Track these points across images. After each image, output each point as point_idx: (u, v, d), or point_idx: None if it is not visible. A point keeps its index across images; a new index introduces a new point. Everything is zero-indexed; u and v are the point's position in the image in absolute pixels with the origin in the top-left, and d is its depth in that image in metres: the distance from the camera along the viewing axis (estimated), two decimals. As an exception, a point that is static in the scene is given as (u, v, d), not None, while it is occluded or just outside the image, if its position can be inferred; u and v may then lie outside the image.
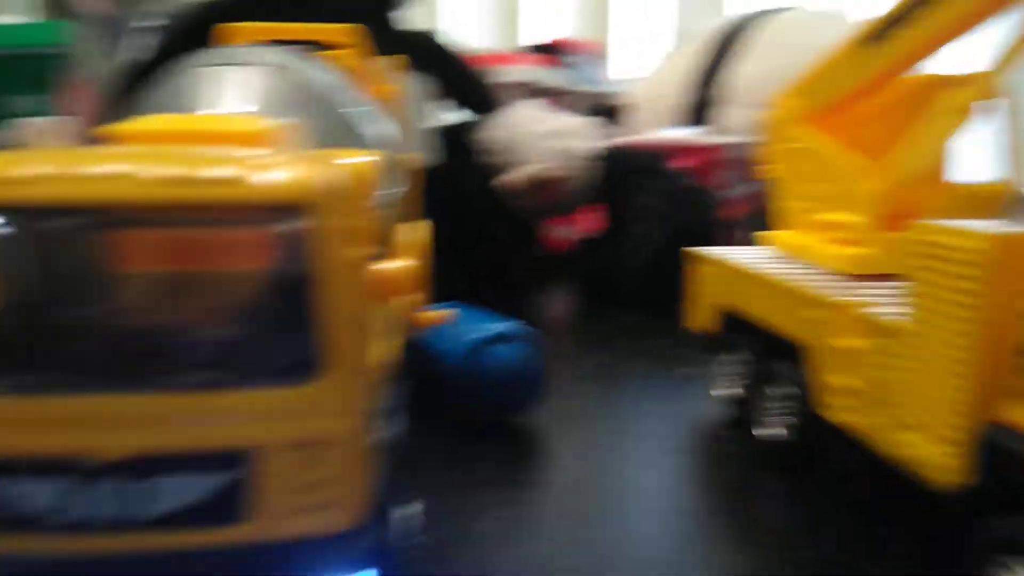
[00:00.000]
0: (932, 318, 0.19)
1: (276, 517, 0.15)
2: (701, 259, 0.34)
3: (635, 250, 0.55)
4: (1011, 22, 0.23)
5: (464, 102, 0.63)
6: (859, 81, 0.27)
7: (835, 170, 0.28)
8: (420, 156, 0.52)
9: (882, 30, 0.26)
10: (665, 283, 0.54)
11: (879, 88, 0.28)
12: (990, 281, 0.17)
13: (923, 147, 0.26)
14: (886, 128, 0.29)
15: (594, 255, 0.62)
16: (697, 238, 0.43)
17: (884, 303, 0.23)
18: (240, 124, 0.19)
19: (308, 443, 0.14)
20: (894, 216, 0.26)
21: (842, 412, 0.23)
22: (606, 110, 0.87)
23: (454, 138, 0.63)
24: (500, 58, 0.83)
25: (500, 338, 0.31)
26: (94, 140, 0.49)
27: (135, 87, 0.42)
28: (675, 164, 0.62)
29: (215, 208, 0.14)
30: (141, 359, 0.14)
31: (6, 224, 0.15)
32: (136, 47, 0.54)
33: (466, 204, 0.59)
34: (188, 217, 0.14)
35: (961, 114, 0.25)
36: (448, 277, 0.46)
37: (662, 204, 0.58)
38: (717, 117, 0.78)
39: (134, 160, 0.14)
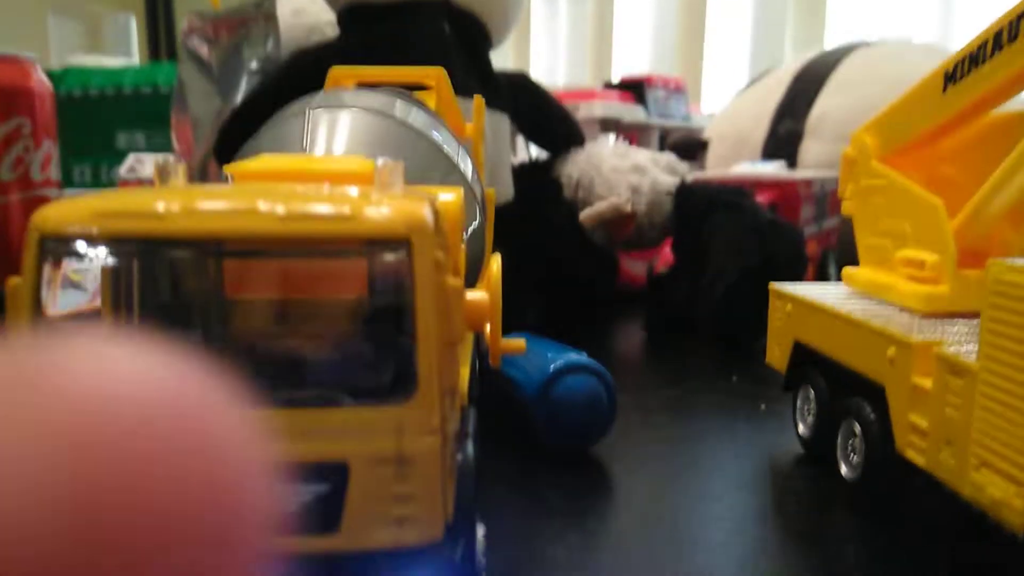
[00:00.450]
0: (1003, 356, 0.19)
1: (366, 528, 0.16)
2: (780, 295, 0.34)
3: (714, 285, 0.55)
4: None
5: (548, 138, 0.65)
6: (936, 121, 0.27)
7: (913, 208, 0.28)
8: (502, 191, 0.55)
9: (959, 71, 0.26)
10: (743, 318, 0.54)
11: (958, 127, 0.28)
12: (1060, 321, 0.18)
13: (1007, 185, 0.26)
14: (967, 165, 0.29)
15: (673, 289, 0.62)
16: (777, 273, 0.43)
17: (959, 342, 0.23)
18: (348, 164, 0.21)
19: (398, 458, 0.16)
20: (973, 254, 0.26)
21: (918, 451, 0.23)
22: (687, 145, 0.88)
23: (538, 172, 0.65)
24: (584, 94, 0.85)
25: (573, 369, 0.31)
26: (201, 174, 0.53)
27: (246, 128, 0.45)
28: (756, 199, 0.62)
29: (328, 241, 0.15)
30: (258, 378, 0.15)
31: (142, 254, 0.17)
32: (246, 89, 0.58)
33: (547, 237, 0.60)
34: (303, 249, 0.16)
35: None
36: (525, 308, 0.48)
37: (742, 239, 0.58)
38: (800, 151, 0.78)
39: (256, 197, 0.16)
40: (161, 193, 0.17)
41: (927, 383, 0.22)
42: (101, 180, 0.84)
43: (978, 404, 0.20)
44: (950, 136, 0.29)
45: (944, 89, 0.27)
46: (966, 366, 0.21)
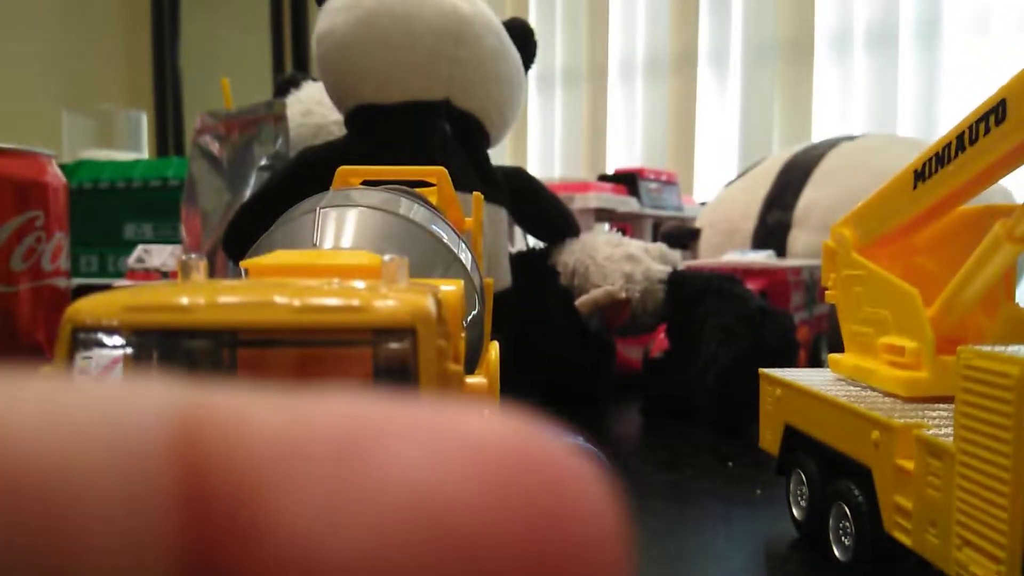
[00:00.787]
0: (977, 438, 0.20)
1: None
2: (770, 380, 0.35)
3: (707, 371, 0.56)
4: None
5: (544, 228, 0.67)
6: (908, 216, 0.29)
7: (892, 297, 0.30)
8: (501, 280, 0.56)
9: (927, 170, 0.28)
10: (737, 404, 0.54)
11: (930, 221, 0.30)
12: (1022, 403, 0.19)
13: (978, 276, 0.27)
14: (941, 257, 0.31)
15: (668, 374, 0.63)
16: (770, 359, 0.44)
17: (939, 425, 0.24)
18: (356, 259, 0.22)
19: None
20: (950, 341, 0.27)
21: (905, 532, 0.24)
22: (680, 234, 0.91)
23: (535, 261, 0.67)
24: (579, 186, 0.88)
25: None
26: (209, 264, 0.54)
27: (254, 222, 0.47)
28: (747, 286, 0.64)
29: (339, 331, 0.16)
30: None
31: (166, 344, 0.18)
32: (254, 184, 0.61)
33: (545, 324, 0.62)
34: (315, 338, 0.16)
35: (1017, 242, 0.26)
36: (522, 393, 0.49)
37: (734, 325, 0.59)
38: (789, 241, 0.80)
39: (272, 291, 0.17)
40: (184, 287, 0.18)
41: (910, 465, 0.23)
42: (108, 270, 0.86)
43: (957, 485, 0.21)
44: (924, 229, 0.31)
45: (914, 186, 0.29)
46: (944, 448, 0.22)
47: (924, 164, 0.28)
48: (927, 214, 0.29)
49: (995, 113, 0.25)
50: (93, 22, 2.22)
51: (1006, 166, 0.26)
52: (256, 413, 0.07)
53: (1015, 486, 0.19)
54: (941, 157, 0.27)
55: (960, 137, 0.27)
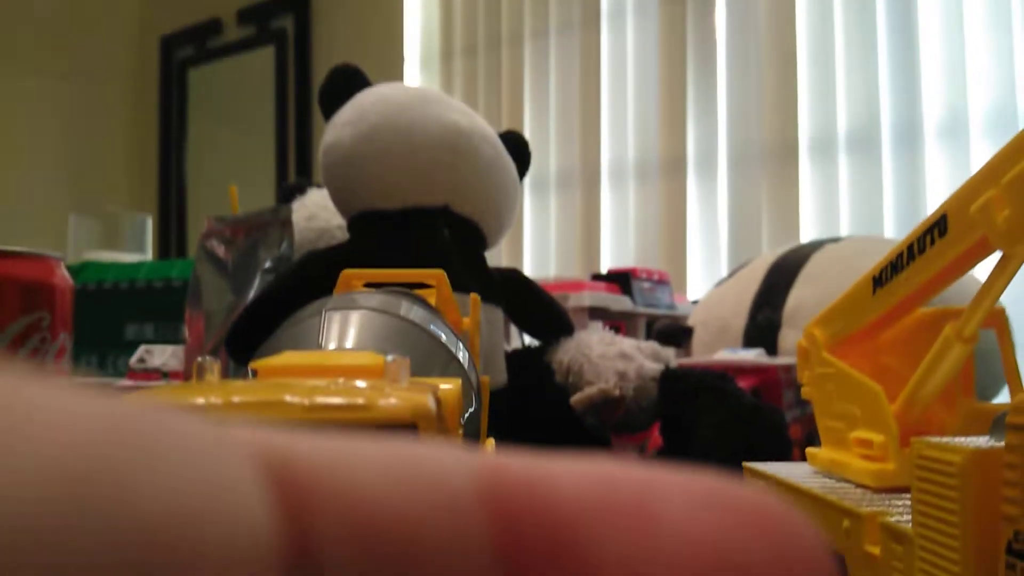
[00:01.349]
0: (931, 523, 0.22)
1: None
2: (754, 473, 0.37)
3: (701, 468, 0.57)
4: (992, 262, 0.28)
5: (539, 327, 0.69)
6: (870, 318, 0.31)
7: (859, 393, 0.32)
8: (497, 377, 0.58)
9: (884, 276, 0.31)
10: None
11: (891, 323, 0.32)
12: (966, 490, 0.21)
13: (934, 374, 0.30)
14: (903, 356, 0.33)
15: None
16: (762, 456, 0.46)
17: (902, 512, 0.25)
18: (360, 359, 0.24)
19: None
20: (915, 434, 0.29)
21: (880, 619, 0.25)
22: (673, 332, 0.93)
23: (530, 359, 0.69)
24: (573, 285, 0.91)
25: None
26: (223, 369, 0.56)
27: (258, 323, 0.50)
28: (739, 384, 0.66)
29: (346, 428, 0.18)
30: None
31: None
32: (258, 286, 0.63)
33: (540, 420, 0.63)
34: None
35: (966, 343, 0.29)
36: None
37: (726, 423, 0.61)
38: (779, 339, 0.82)
39: (282, 391, 0.18)
40: (199, 387, 0.20)
41: (876, 550, 0.25)
42: (107, 369, 0.86)
43: (917, 568, 0.22)
44: (887, 330, 0.33)
45: (873, 292, 0.31)
46: (904, 533, 0.23)
47: (881, 271, 0.31)
48: (887, 317, 0.31)
49: (938, 227, 0.28)
50: (102, 128, 2.32)
51: (952, 274, 0.29)
52: (558, 471, 0.07)
53: (963, 566, 0.20)
54: (895, 265, 0.30)
55: (910, 248, 0.29)
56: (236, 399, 0.18)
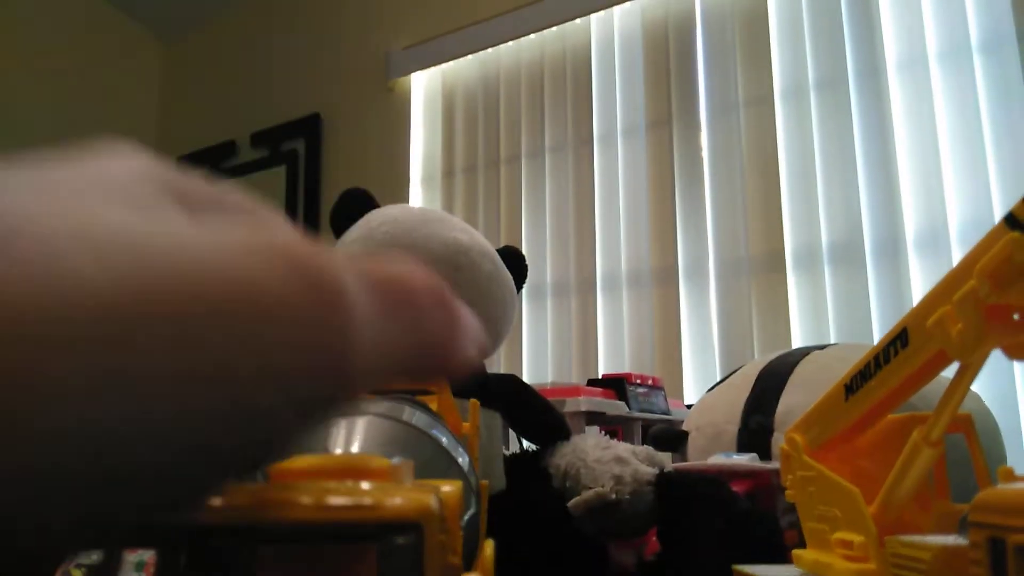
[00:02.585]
0: (904, 617, 0.24)
1: None
2: (743, 575, 0.38)
3: (698, 573, 0.58)
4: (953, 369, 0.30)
5: (537, 432, 0.71)
6: (844, 424, 0.34)
7: (839, 496, 0.33)
8: (495, 481, 0.59)
9: (854, 384, 0.33)
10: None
11: (865, 428, 0.34)
12: (935, 584, 0.22)
13: (905, 478, 0.32)
14: (878, 459, 0.35)
15: (659, 578, 0.64)
16: (757, 559, 0.47)
17: (881, 609, 0.27)
18: (367, 462, 0.25)
19: None
20: (890, 534, 0.31)
21: None
22: (668, 437, 0.94)
23: (528, 463, 0.70)
24: (569, 391, 0.93)
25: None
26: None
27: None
28: (733, 488, 0.67)
29: (354, 527, 0.17)
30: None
31: (194, 542, 0.18)
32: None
33: (537, 524, 0.64)
34: (331, 534, 0.17)
35: (932, 447, 0.31)
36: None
37: (721, 530, 0.61)
38: (772, 444, 0.84)
39: (293, 492, 0.18)
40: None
41: (859, 646, 0.26)
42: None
43: (894, 660, 0.24)
44: (863, 434, 0.36)
45: (846, 398, 0.34)
46: (882, 629, 0.25)
47: (852, 379, 0.33)
48: (860, 422, 0.34)
49: (900, 339, 0.31)
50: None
51: (917, 382, 0.31)
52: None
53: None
54: (864, 374, 0.33)
55: (876, 358, 0.32)
56: (247, 501, 0.18)
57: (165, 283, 0.08)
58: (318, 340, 0.10)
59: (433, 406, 0.42)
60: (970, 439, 0.33)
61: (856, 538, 0.32)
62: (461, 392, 0.52)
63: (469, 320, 0.14)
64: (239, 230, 0.10)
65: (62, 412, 0.08)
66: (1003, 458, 0.76)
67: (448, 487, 0.27)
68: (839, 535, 0.33)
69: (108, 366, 0.08)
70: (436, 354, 0.13)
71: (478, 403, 0.45)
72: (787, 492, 0.37)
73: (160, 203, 0.10)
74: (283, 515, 0.18)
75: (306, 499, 0.18)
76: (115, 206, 0.09)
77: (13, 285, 0.07)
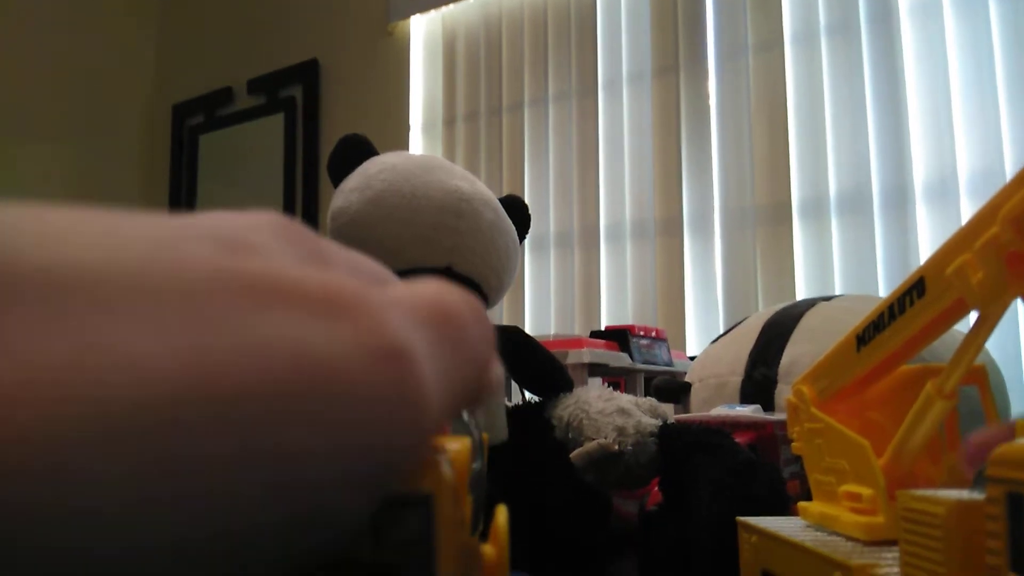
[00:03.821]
0: (917, 574, 0.23)
1: None
2: (747, 527, 0.38)
3: (699, 524, 0.58)
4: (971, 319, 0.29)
5: (539, 384, 0.70)
6: (855, 375, 0.33)
7: (847, 448, 0.33)
8: (498, 433, 0.59)
9: (867, 335, 0.32)
10: (729, 556, 0.55)
11: (876, 379, 0.34)
12: (951, 540, 0.22)
13: (917, 430, 0.31)
14: (889, 411, 0.34)
15: (662, 528, 0.64)
16: (760, 512, 0.46)
17: (890, 564, 0.26)
18: None
19: None
20: (903, 487, 0.30)
21: (873, 670, 0.26)
22: (670, 388, 0.94)
23: (530, 415, 0.70)
24: (572, 343, 0.93)
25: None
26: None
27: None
28: (736, 440, 0.67)
29: None
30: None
31: None
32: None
33: (540, 477, 0.64)
34: None
35: (947, 399, 0.30)
36: (517, 549, 0.50)
37: (723, 480, 0.61)
38: (776, 396, 0.83)
39: None
40: None
41: (865, 602, 0.26)
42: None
43: (903, 617, 0.23)
44: (873, 386, 0.35)
45: (857, 349, 0.33)
46: (891, 584, 0.24)
47: (864, 330, 0.32)
48: (871, 374, 0.33)
49: (916, 289, 0.30)
50: (113, 192, 2.36)
51: (931, 333, 0.30)
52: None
53: (948, 616, 0.21)
54: (877, 324, 0.32)
55: (891, 308, 0.31)
56: None
57: (230, 375, 0.07)
58: (397, 423, 0.08)
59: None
60: (983, 392, 0.32)
61: (865, 491, 0.31)
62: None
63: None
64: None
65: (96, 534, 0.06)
66: (1007, 411, 0.76)
67: (455, 444, 0.24)
68: (847, 488, 0.32)
69: (150, 470, 0.06)
70: (482, 377, 0.12)
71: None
72: (793, 444, 0.37)
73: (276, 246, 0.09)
74: None
75: None
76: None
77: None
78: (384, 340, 0.08)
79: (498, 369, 0.13)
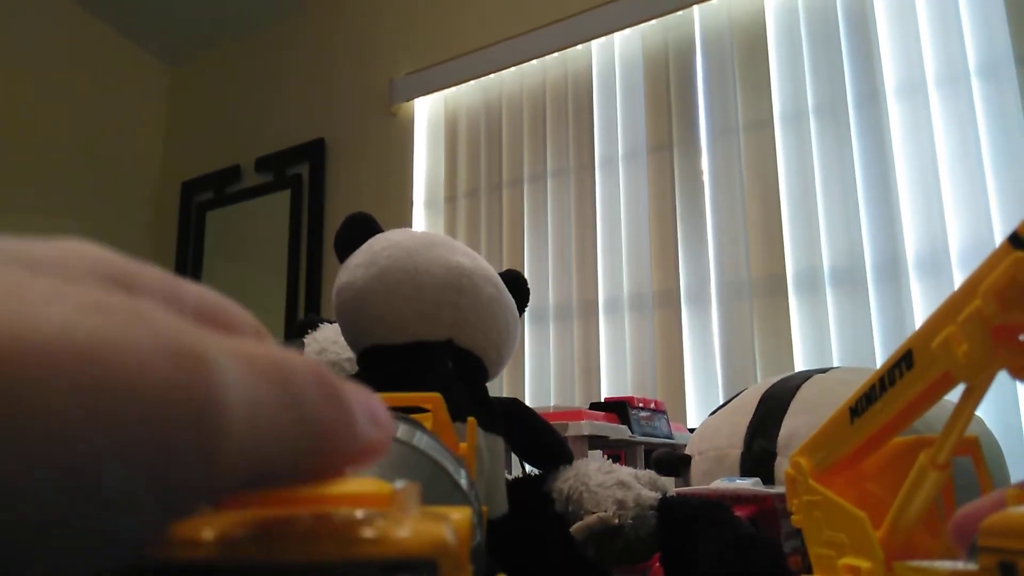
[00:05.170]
0: (913, 644, 0.23)
1: None
2: (749, 602, 0.37)
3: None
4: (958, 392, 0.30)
5: (539, 456, 0.70)
6: (850, 447, 0.34)
7: (845, 520, 0.33)
8: (497, 506, 0.59)
9: (859, 407, 0.33)
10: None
11: (871, 451, 0.34)
12: (944, 610, 0.22)
13: (913, 501, 0.31)
14: (886, 483, 0.35)
15: (664, 604, 0.63)
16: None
17: (891, 636, 0.26)
18: (364, 487, 0.22)
19: None
20: (898, 559, 0.31)
21: None
22: (670, 461, 0.93)
23: (530, 488, 0.69)
24: (572, 415, 0.93)
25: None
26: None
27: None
28: (736, 513, 0.66)
29: (354, 566, 0.14)
30: None
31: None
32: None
33: (540, 550, 0.63)
34: (336, 570, 0.14)
35: (940, 470, 0.31)
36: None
37: (724, 554, 0.61)
38: (775, 468, 0.83)
39: (271, 524, 0.15)
40: (197, 523, 0.19)
41: (867, 675, 0.26)
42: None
43: None
44: (869, 457, 0.35)
45: (851, 421, 0.34)
46: (891, 655, 0.24)
47: (857, 402, 0.33)
48: (866, 445, 0.33)
49: (905, 361, 0.31)
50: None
51: (922, 404, 0.31)
52: None
53: None
54: (869, 396, 0.33)
55: (882, 380, 0.32)
56: (242, 533, 0.15)
57: None
58: (179, 413, 0.08)
59: (427, 424, 0.41)
60: (977, 462, 0.33)
61: (863, 564, 0.31)
62: (462, 414, 0.52)
63: (367, 402, 0.12)
64: (111, 299, 0.09)
65: None
66: (1007, 482, 0.76)
67: (457, 515, 0.25)
68: (846, 561, 0.33)
69: None
70: (326, 443, 0.11)
71: (475, 421, 0.44)
72: (793, 517, 0.37)
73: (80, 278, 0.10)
74: (260, 552, 0.14)
75: (290, 532, 0.14)
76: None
77: None
78: (183, 343, 0.09)
79: (366, 437, 0.13)
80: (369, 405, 0.13)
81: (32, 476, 0.07)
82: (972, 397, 0.29)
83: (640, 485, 0.69)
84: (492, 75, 1.91)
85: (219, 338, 0.09)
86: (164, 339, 0.08)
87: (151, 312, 0.09)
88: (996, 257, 0.25)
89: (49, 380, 0.07)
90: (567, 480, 0.68)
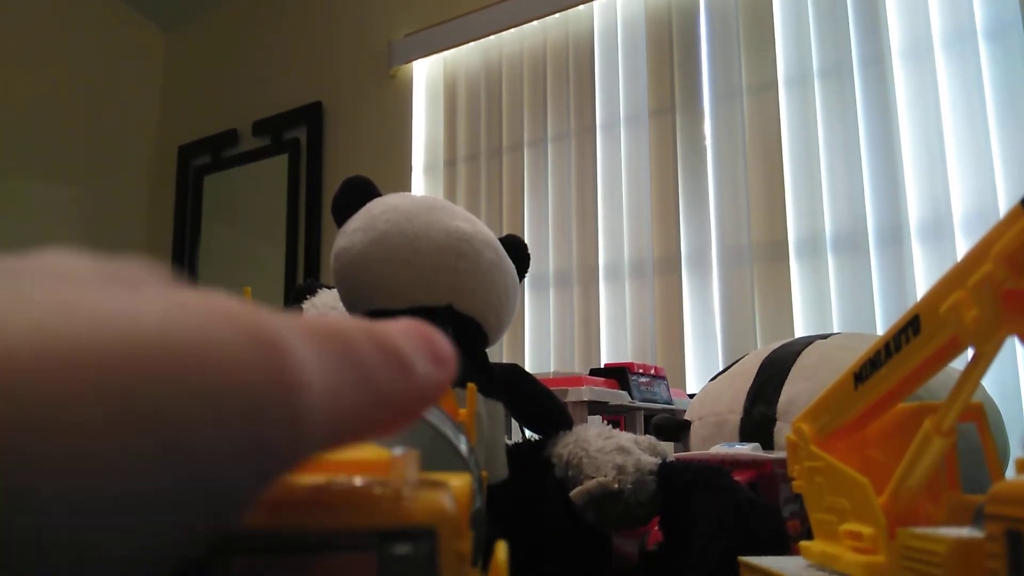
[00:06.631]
0: (916, 611, 0.23)
1: None
2: (749, 568, 0.38)
3: (699, 562, 0.57)
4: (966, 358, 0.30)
5: (539, 422, 0.70)
6: (853, 413, 0.33)
7: (847, 486, 0.33)
8: (498, 471, 0.59)
9: (864, 372, 0.33)
10: (732, 596, 0.55)
11: (875, 417, 0.34)
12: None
13: (916, 468, 0.31)
14: (889, 449, 0.34)
15: (662, 567, 0.64)
16: (759, 551, 0.46)
17: (892, 602, 0.26)
18: (364, 453, 0.21)
19: None
20: (900, 525, 0.30)
21: None
22: (670, 426, 0.94)
23: (530, 453, 0.69)
24: (572, 380, 0.93)
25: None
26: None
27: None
28: (735, 478, 0.66)
29: (354, 534, 0.14)
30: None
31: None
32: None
33: (538, 517, 0.63)
34: (324, 543, 0.14)
35: (944, 436, 0.30)
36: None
37: (723, 518, 0.61)
38: (775, 434, 0.83)
39: (270, 492, 0.13)
40: None
41: (868, 641, 0.26)
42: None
43: (905, 655, 0.23)
44: (872, 423, 0.35)
45: (855, 387, 0.33)
46: (893, 622, 0.24)
47: (861, 367, 0.33)
48: (869, 411, 0.33)
49: (912, 326, 0.30)
50: (118, 231, 2.37)
51: (928, 370, 0.31)
52: None
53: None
54: (874, 362, 0.32)
55: (887, 345, 0.31)
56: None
57: (99, 343, 0.08)
58: (270, 399, 0.09)
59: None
60: (982, 429, 0.33)
61: (865, 529, 0.31)
62: (462, 381, 0.52)
63: (423, 340, 0.13)
64: (177, 294, 0.09)
65: None
66: (1007, 448, 0.76)
67: (457, 481, 0.24)
68: (847, 526, 0.32)
69: (43, 439, 0.07)
70: (391, 398, 0.12)
71: (475, 387, 0.44)
72: (794, 483, 0.37)
73: (97, 279, 0.10)
74: (261, 520, 0.14)
75: (289, 500, 0.14)
76: (53, 284, 0.09)
77: None
78: (260, 329, 0.09)
79: (432, 379, 0.13)
80: (425, 343, 0.13)
81: (158, 465, 0.08)
82: (980, 363, 0.28)
83: (640, 450, 0.69)
84: (492, 36, 1.88)
85: (280, 316, 0.10)
86: (246, 329, 0.09)
87: (222, 303, 0.09)
88: (1008, 221, 0.24)
89: (161, 378, 0.08)
90: (567, 445, 0.68)
